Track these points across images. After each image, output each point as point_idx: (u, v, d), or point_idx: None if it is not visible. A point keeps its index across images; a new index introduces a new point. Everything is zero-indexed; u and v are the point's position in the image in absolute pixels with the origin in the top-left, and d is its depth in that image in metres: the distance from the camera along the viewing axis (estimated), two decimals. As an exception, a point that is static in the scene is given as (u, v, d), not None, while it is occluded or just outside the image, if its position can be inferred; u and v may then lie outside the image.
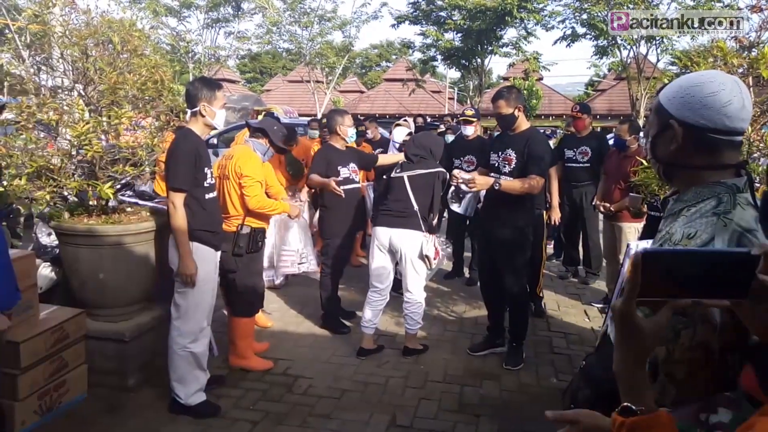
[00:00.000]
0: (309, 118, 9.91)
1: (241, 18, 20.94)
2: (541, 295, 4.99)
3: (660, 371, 1.16)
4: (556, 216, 5.50)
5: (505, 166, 3.86)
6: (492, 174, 3.92)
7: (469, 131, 5.59)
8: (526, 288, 4.18)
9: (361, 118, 9.87)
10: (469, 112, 5.73)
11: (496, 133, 7.34)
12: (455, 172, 3.76)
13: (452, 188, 3.90)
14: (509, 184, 3.65)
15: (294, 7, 20.34)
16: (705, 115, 1.17)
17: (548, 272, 5.89)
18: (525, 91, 20.82)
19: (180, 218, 2.96)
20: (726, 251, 1.00)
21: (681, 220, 1.21)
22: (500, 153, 3.92)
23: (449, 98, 29.33)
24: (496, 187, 3.61)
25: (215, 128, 3.23)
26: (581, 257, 6.22)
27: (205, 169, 3.07)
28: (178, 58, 19.50)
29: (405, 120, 7.00)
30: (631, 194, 4.23)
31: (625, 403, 0.88)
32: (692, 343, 1.10)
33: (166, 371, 3.15)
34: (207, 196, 3.10)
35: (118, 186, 3.53)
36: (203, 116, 3.04)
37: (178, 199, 2.96)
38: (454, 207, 4.08)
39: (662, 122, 1.25)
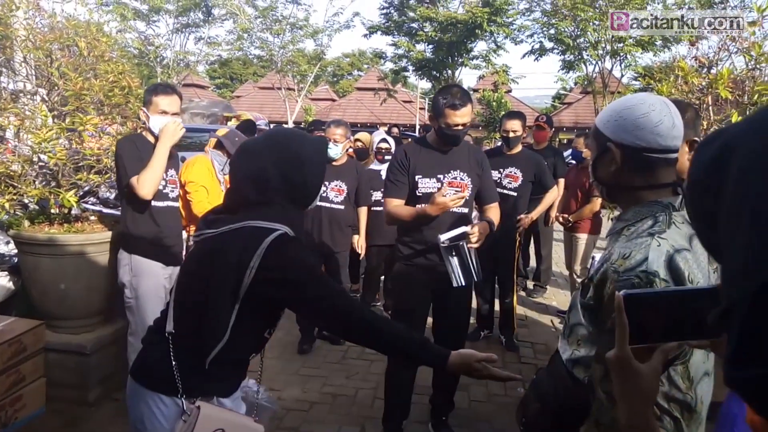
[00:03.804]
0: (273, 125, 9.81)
1: (212, 24, 20.76)
2: (515, 327, 4.57)
3: (597, 389, 1.19)
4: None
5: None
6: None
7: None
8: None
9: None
10: None
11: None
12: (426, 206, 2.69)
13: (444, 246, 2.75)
14: (495, 215, 3.00)
15: (265, 14, 20.30)
16: (639, 136, 1.23)
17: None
18: (494, 103, 21.17)
19: (148, 179, 2.79)
20: (696, 288, 1.02)
21: (621, 240, 1.26)
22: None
23: (420, 108, 29.56)
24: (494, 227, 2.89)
25: (157, 135, 2.91)
26: (526, 271, 6.30)
27: None
28: (146, 63, 19.18)
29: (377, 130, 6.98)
30: None
31: None
32: None
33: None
34: (155, 204, 2.94)
35: (81, 193, 3.44)
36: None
37: (139, 185, 2.80)
38: (456, 279, 2.80)
39: (600, 145, 1.31)
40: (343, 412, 3.36)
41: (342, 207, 4.18)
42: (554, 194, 4.70)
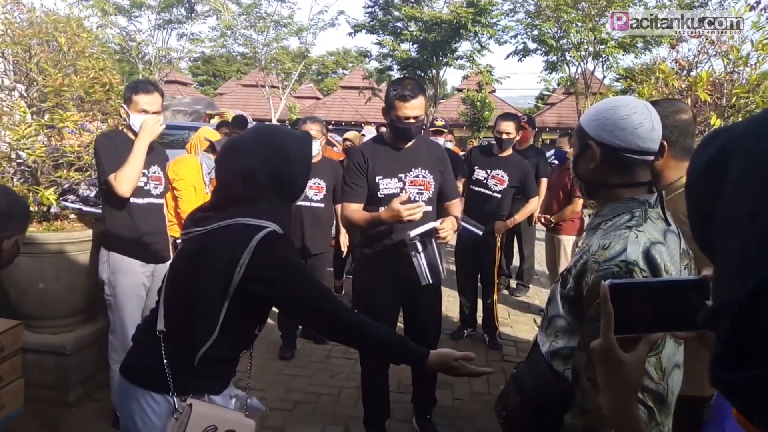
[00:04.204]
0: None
1: (195, 20, 20.53)
2: (497, 325, 4.63)
3: (581, 377, 1.23)
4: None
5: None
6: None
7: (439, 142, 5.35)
8: None
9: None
10: (439, 123, 5.46)
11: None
12: (397, 209, 2.50)
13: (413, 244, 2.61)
14: (458, 211, 2.95)
15: (249, 11, 20.14)
16: (619, 136, 1.27)
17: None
18: (478, 103, 21.26)
19: (126, 176, 2.74)
20: (681, 279, 1.03)
21: (599, 233, 1.31)
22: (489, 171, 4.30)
23: (404, 107, 29.52)
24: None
25: (136, 132, 2.85)
26: (509, 269, 6.33)
27: None
28: (128, 59, 18.92)
29: (363, 135, 6.98)
30: None
31: None
32: None
33: (109, 386, 3.03)
34: (134, 201, 2.89)
35: (61, 191, 3.39)
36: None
37: (117, 182, 2.75)
38: (425, 277, 2.65)
39: (582, 143, 1.36)
40: (327, 411, 3.36)
41: (322, 205, 4.12)
42: (534, 204, 4.61)
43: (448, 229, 2.57)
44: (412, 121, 2.65)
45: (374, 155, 2.77)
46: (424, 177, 2.78)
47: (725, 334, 0.49)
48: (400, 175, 2.75)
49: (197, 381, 1.51)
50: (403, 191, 2.71)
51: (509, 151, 4.39)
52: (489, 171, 4.34)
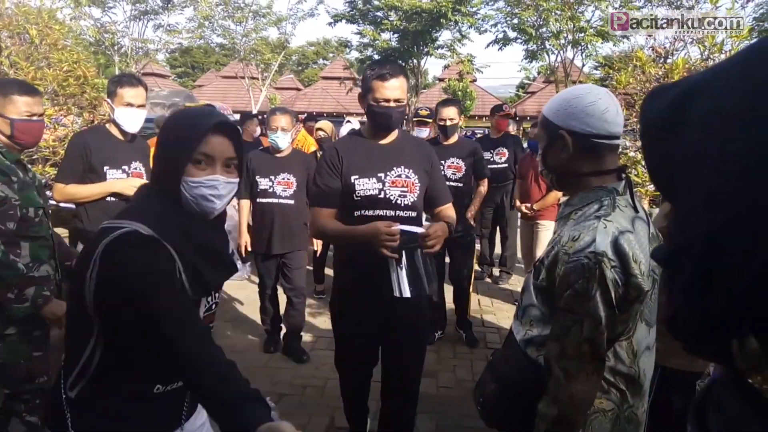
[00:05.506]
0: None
1: (171, 11, 20.17)
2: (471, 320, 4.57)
3: (554, 367, 1.24)
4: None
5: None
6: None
7: (425, 134, 5.00)
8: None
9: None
10: (424, 112, 5.01)
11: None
12: (379, 227, 2.12)
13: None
14: (453, 216, 2.50)
15: (227, 1, 19.84)
16: (589, 123, 1.29)
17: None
18: (459, 93, 21.27)
19: (70, 194, 2.89)
20: None
21: (569, 224, 1.32)
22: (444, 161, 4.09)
23: (386, 98, 29.38)
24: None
25: (122, 127, 2.92)
26: (492, 258, 6.34)
27: (106, 167, 2.89)
28: (103, 51, 18.56)
29: (348, 121, 6.92)
30: None
31: None
32: (581, 338, 1.20)
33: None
34: (111, 199, 2.89)
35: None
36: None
37: (57, 191, 2.89)
38: (399, 288, 2.20)
39: (551, 134, 1.36)
40: (312, 403, 3.37)
41: (292, 201, 3.86)
42: (484, 189, 4.51)
43: (437, 236, 2.14)
44: (393, 104, 2.26)
45: (350, 152, 2.37)
46: (407, 177, 2.37)
47: (689, 269, 0.49)
48: (379, 174, 2.35)
49: (97, 420, 1.23)
50: (382, 192, 2.34)
51: (455, 138, 4.32)
52: (444, 162, 4.14)
